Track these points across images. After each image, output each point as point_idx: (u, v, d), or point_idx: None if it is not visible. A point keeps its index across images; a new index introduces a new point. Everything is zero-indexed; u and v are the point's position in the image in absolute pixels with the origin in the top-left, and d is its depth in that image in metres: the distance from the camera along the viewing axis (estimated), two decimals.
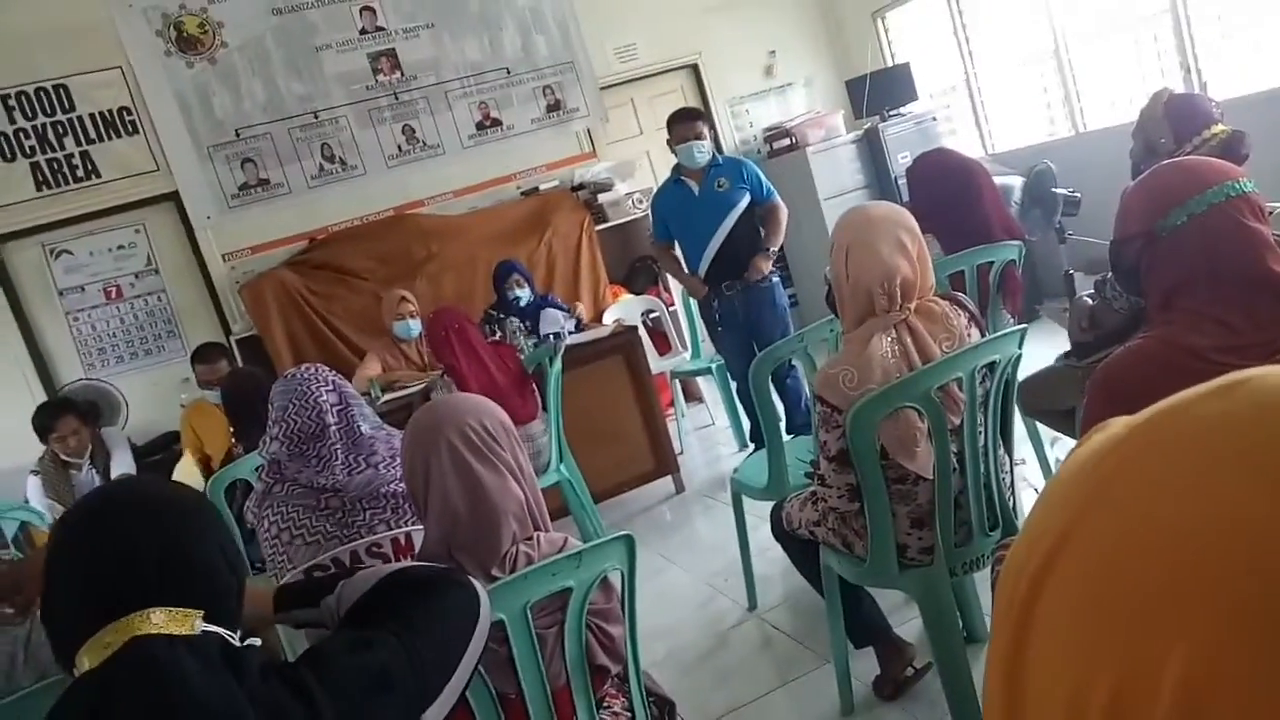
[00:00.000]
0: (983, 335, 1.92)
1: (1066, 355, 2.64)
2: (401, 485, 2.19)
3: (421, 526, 2.13)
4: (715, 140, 6.36)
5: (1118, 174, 4.67)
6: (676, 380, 5.26)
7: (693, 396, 5.71)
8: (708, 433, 5.34)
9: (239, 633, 1.03)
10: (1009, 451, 2.02)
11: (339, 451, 2.17)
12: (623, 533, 1.46)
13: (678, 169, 4.23)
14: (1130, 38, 5.01)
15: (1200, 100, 2.39)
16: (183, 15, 5.17)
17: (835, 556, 2.09)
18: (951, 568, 1.94)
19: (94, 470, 4.26)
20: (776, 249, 4.24)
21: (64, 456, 4.14)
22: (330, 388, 2.23)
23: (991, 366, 1.89)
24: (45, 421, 4.14)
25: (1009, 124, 5.96)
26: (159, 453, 4.91)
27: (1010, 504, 2.02)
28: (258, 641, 1.06)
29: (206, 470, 4.31)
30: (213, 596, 1.01)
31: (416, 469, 1.43)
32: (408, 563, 1.23)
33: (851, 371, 1.81)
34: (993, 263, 2.94)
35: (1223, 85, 4.38)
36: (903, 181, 6.00)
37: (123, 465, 4.35)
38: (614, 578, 1.48)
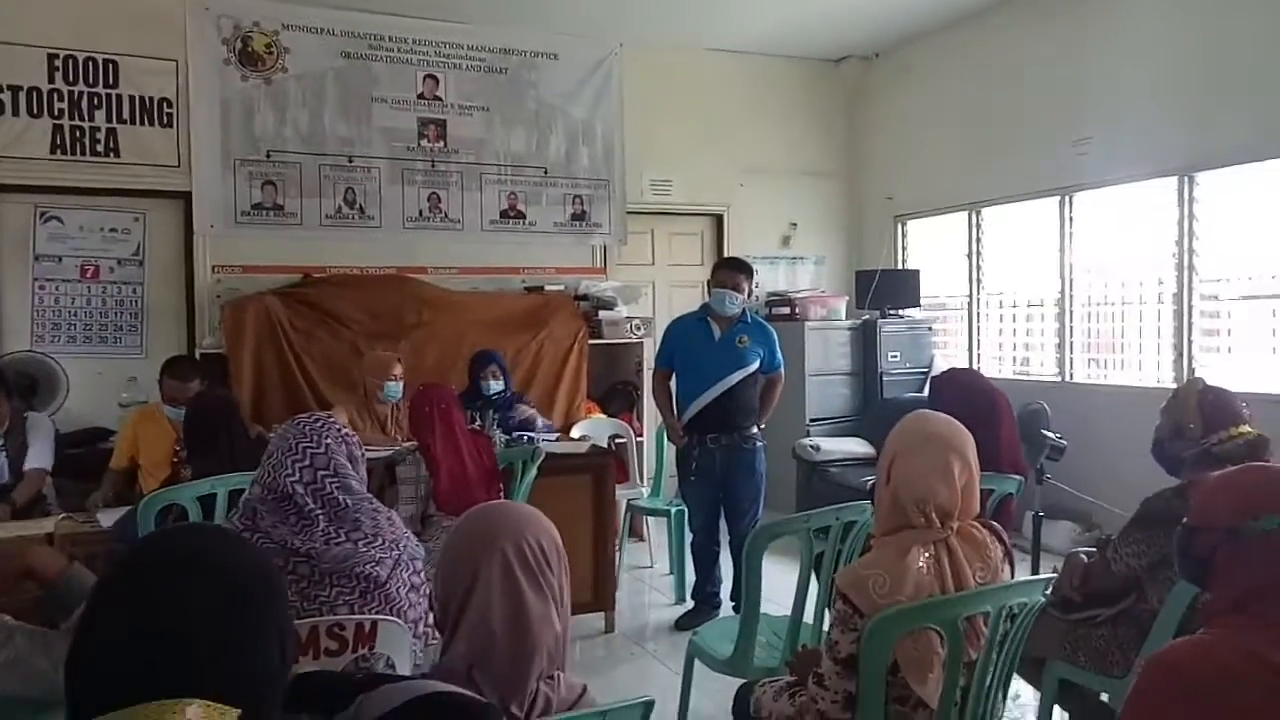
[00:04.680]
0: (1013, 572, 1.90)
1: (1050, 605, 2.63)
2: (377, 568, 2.07)
3: (389, 618, 2.01)
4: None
5: (1098, 432, 4.89)
6: (628, 514, 5.16)
7: (635, 533, 5.59)
8: (643, 574, 5.20)
9: None
10: (1004, 699, 1.97)
11: (320, 519, 2.04)
12: (644, 697, 1.36)
13: (706, 309, 4.26)
14: (1128, 310, 5.29)
15: (1232, 398, 2.48)
16: (254, 31, 5.21)
17: None
18: None
19: (3, 450, 3.96)
20: (763, 425, 4.27)
21: None
22: (334, 447, 2.11)
23: (1014, 608, 1.86)
24: None
25: (996, 352, 6.18)
26: (81, 446, 4.62)
27: None
28: None
29: (130, 478, 4.05)
30: (257, 693, 0.90)
31: (460, 575, 1.32)
32: (439, 684, 1.11)
33: (884, 578, 1.76)
34: (993, 491, 2.97)
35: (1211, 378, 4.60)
36: (889, 378, 6.20)
37: (38, 458, 4.06)
38: None
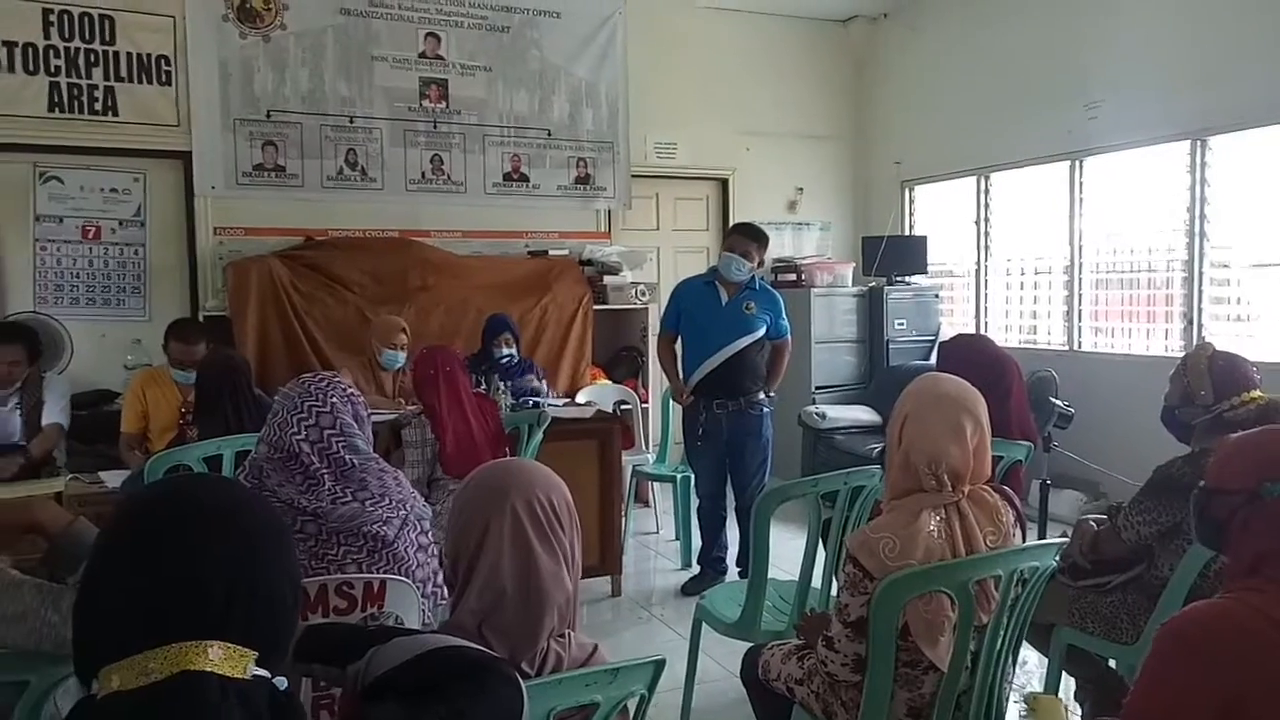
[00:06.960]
0: (1024, 537, 1.89)
1: (1059, 572, 2.62)
2: (385, 528, 2.06)
3: (398, 578, 2.00)
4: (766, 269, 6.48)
5: (1106, 401, 4.86)
6: (634, 480, 5.16)
7: (641, 499, 5.60)
8: (649, 540, 5.21)
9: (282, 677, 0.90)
10: (1014, 663, 1.97)
11: (326, 478, 2.03)
12: (656, 656, 1.35)
13: (714, 272, 4.23)
14: (1138, 278, 5.24)
15: (1243, 363, 2.45)
16: None
17: None
18: None
19: (18, 409, 3.97)
20: (774, 393, 4.25)
21: None
22: (340, 406, 2.10)
23: (1025, 572, 1.85)
24: None
25: (1003, 320, 6.14)
26: (87, 408, 4.61)
27: (1005, 715, 1.95)
28: (283, 682, 0.92)
29: (138, 441, 4.05)
30: (272, 636, 0.89)
31: (471, 531, 1.30)
32: (451, 638, 1.10)
33: (894, 541, 1.75)
34: (1002, 457, 2.95)
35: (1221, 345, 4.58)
36: (895, 346, 6.17)
37: (56, 414, 4.05)
38: (630, 701, 1.36)
